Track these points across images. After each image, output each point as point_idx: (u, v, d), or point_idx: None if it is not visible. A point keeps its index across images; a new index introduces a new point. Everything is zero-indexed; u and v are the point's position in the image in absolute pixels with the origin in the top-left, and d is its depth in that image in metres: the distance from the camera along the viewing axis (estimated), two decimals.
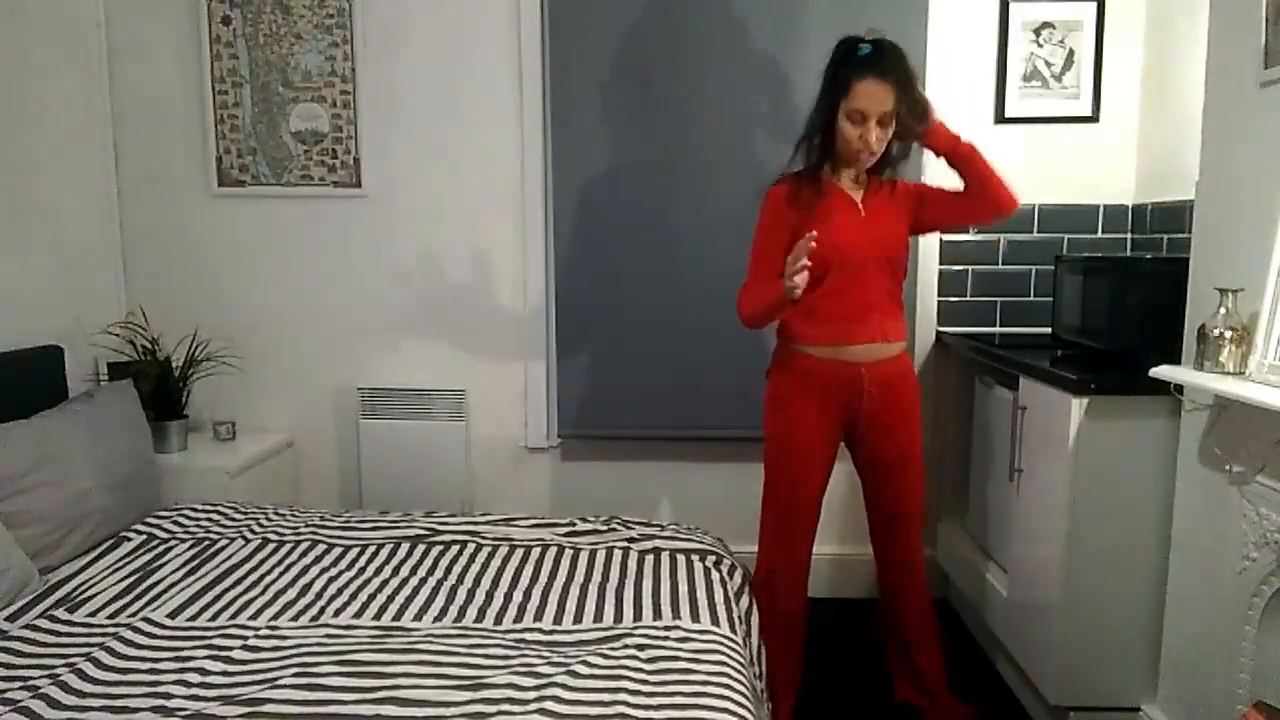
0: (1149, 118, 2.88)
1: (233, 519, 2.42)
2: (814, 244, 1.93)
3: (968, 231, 2.98)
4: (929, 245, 2.98)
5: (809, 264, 1.94)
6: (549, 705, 1.44)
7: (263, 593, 1.95)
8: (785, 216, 2.15)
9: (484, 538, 2.28)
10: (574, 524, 2.37)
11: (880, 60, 2.04)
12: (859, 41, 2.07)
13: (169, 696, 1.50)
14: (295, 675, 1.55)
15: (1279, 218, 1.67)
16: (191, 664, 1.62)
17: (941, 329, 3.04)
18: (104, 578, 2.03)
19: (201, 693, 1.51)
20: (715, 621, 1.81)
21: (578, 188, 3.00)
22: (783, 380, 2.25)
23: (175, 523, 2.37)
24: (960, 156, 2.14)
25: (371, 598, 1.92)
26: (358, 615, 1.84)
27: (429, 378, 3.10)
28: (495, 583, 2.01)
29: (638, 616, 1.83)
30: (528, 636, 1.74)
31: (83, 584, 1.99)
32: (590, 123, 2.97)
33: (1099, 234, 2.97)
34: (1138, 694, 2.15)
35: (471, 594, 1.95)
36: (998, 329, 3.03)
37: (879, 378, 2.18)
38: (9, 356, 2.38)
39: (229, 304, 3.10)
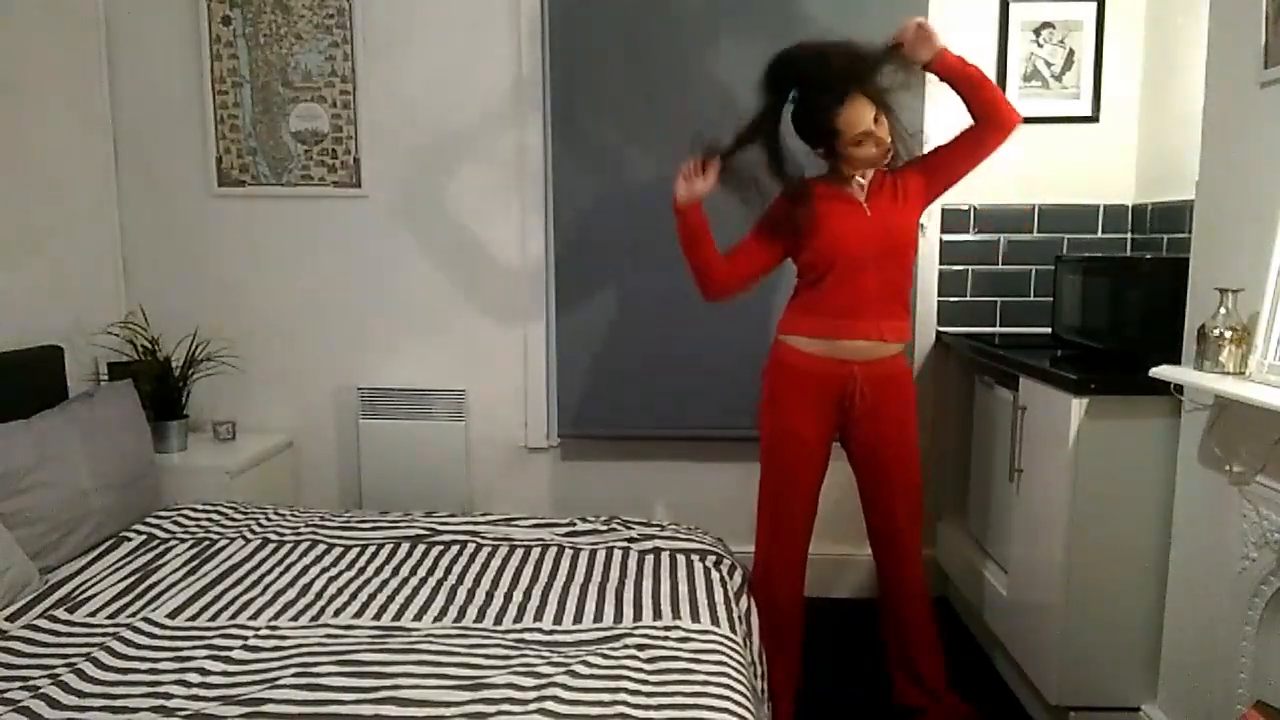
0: (1149, 118, 2.88)
1: (233, 519, 2.42)
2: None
3: (968, 232, 2.99)
4: (929, 245, 2.98)
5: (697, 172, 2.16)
6: (549, 705, 1.45)
7: (263, 593, 1.95)
8: (787, 219, 2.18)
9: (484, 538, 2.28)
10: (574, 524, 2.37)
11: (829, 86, 2.04)
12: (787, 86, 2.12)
13: (169, 696, 1.50)
14: (295, 675, 1.55)
15: (1279, 218, 1.67)
16: (191, 664, 1.62)
17: (941, 329, 3.04)
18: (104, 578, 2.03)
19: (201, 693, 1.51)
20: (715, 621, 1.81)
21: (578, 187, 2.99)
22: (777, 377, 2.26)
23: (175, 523, 2.37)
24: (968, 79, 2.08)
25: (371, 598, 1.92)
26: (358, 615, 1.84)
27: (429, 378, 3.10)
28: (495, 583, 2.01)
29: (638, 616, 1.83)
30: (528, 636, 1.74)
31: (83, 584, 1.99)
32: (590, 122, 2.96)
33: (1099, 234, 2.96)
34: (1138, 694, 2.15)
35: (471, 594, 1.95)
36: (998, 329, 3.03)
37: (872, 378, 2.18)
38: (9, 356, 2.37)
39: (229, 304, 3.09)
